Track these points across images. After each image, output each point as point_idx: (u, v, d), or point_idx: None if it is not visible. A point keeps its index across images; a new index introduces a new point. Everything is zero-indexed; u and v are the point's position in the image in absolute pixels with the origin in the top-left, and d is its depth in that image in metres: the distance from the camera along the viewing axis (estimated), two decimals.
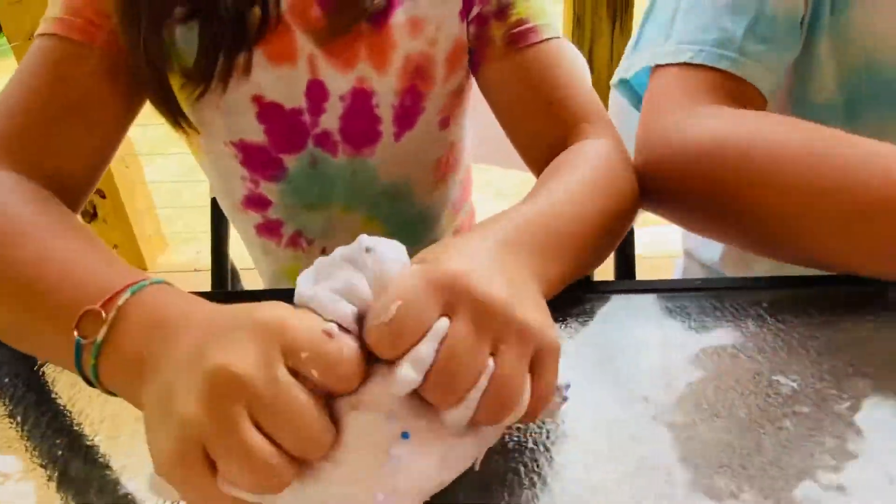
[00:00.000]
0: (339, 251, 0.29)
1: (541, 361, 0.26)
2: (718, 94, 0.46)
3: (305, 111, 0.53)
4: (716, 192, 0.42)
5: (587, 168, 0.43)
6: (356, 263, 0.28)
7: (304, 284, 0.28)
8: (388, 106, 0.54)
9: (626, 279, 0.73)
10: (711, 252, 0.67)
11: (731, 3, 0.46)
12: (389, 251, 0.28)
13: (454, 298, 0.25)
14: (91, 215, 1.71)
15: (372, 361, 0.26)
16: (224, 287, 0.85)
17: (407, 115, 0.55)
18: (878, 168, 0.36)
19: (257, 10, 0.48)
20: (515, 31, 0.51)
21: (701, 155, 0.42)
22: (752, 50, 0.45)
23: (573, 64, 0.52)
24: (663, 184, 0.46)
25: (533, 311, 0.27)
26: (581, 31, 1.39)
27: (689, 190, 0.44)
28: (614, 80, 0.57)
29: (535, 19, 0.51)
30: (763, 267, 0.61)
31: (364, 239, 0.28)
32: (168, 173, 2.31)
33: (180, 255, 1.91)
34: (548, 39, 0.51)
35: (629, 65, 0.54)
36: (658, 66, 0.49)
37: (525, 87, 0.51)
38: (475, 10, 0.52)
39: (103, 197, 1.68)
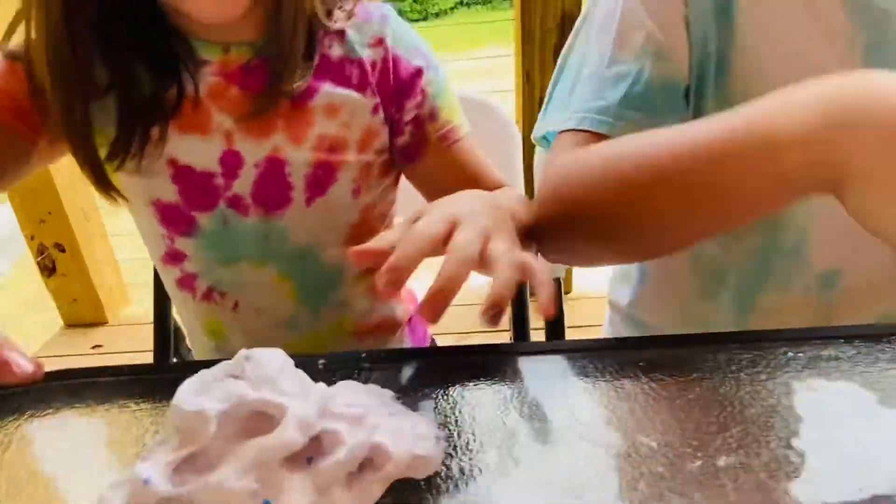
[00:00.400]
0: (222, 365, 0.33)
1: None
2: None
3: (219, 175, 0.56)
4: (576, 211, 0.47)
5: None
6: (238, 373, 0.32)
7: (188, 396, 0.31)
8: (300, 174, 0.57)
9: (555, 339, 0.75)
10: (621, 296, 0.70)
11: (614, 74, 0.51)
12: (267, 357, 0.33)
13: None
14: (50, 270, 1.70)
15: None
16: (166, 345, 0.87)
17: (319, 184, 0.58)
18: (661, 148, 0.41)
19: (174, 89, 0.52)
20: (443, 131, 0.60)
21: (566, 183, 0.48)
22: (628, 116, 0.49)
23: (480, 153, 0.63)
24: (547, 223, 0.50)
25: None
26: (531, 86, 1.45)
27: (562, 219, 0.49)
28: (534, 135, 0.61)
29: (455, 120, 0.61)
30: (671, 311, 0.64)
31: (243, 351, 0.33)
32: (132, 225, 2.30)
33: (142, 306, 1.90)
34: (465, 136, 0.62)
35: (540, 127, 0.58)
36: (559, 132, 0.53)
37: (457, 176, 0.60)
38: (410, 114, 0.59)
39: (62, 251, 1.68)
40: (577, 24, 0.58)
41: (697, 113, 0.53)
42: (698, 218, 0.42)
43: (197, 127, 0.54)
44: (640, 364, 0.42)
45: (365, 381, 0.40)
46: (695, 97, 0.53)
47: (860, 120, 0.32)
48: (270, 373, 0.31)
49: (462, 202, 0.43)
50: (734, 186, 0.38)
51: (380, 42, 0.57)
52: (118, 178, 0.56)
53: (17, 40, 0.50)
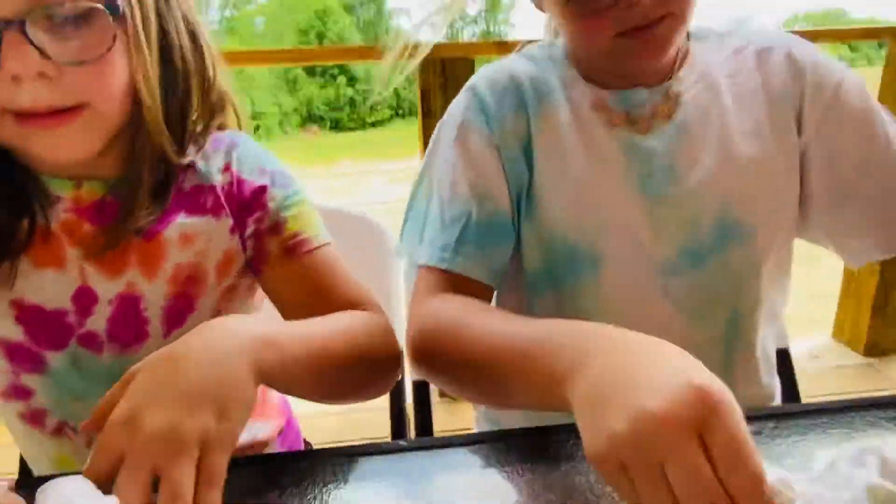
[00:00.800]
0: None
1: None
2: (445, 287, 0.60)
3: (71, 313, 0.56)
4: (440, 350, 0.56)
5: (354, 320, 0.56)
6: None
7: None
8: (157, 308, 0.58)
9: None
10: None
11: (450, 218, 0.61)
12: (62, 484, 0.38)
13: None
14: None
15: None
16: None
17: (178, 315, 0.59)
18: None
19: (25, 223, 0.53)
20: (290, 243, 0.59)
21: (417, 343, 0.58)
22: (464, 251, 0.60)
23: (344, 264, 0.62)
24: (418, 363, 0.59)
25: None
26: None
27: (425, 366, 0.59)
28: (396, 251, 0.72)
29: (308, 232, 0.60)
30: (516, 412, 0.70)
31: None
32: None
33: None
34: (319, 246, 0.60)
35: (399, 250, 0.69)
36: (417, 265, 0.63)
37: (304, 287, 0.59)
38: (251, 228, 0.60)
39: None
40: (420, 168, 0.69)
41: (518, 235, 0.65)
42: (501, 395, 0.53)
43: (51, 262, 0.55)
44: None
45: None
46: (517, 223, 0.64)
47: (580, 372, 0.40)
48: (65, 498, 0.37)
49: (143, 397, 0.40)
50: (516, 387, 0.48)
51: (227, 167, 0.60)
52: None
53: None
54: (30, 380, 0.58)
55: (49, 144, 0.49)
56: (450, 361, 0.55)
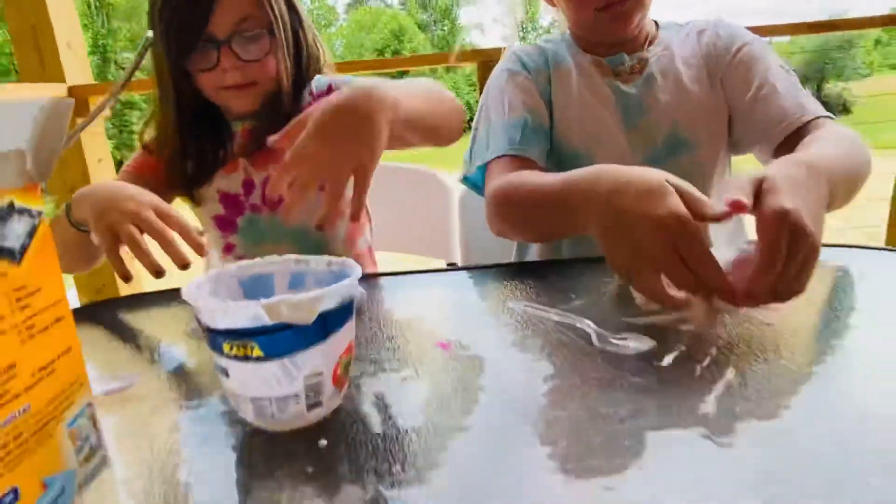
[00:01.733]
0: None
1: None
2: (513, 167, 0.85)
3: (242, 194, 0.95)
4: (508, 210, 0.81)
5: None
6: None
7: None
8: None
9: None
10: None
11: (513, 124, 0.89)
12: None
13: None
14: None
15: None
16: None
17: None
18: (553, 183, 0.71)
19: (221, 151, 0.95)
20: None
21: (497, 196, 0.81)
22: (526, 141, 0.88)
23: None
24: (496, 212, 0.82)
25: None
26: None
27: (501, 213, 0.82)
28: (459, 178, 0.98)
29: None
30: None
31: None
32: None
33: None
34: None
35: (468, 169, 0.94)
36: (488, 163, 0.88)
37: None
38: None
39: None
40: (477, 112, 0.98)
41: (551, 143, 0.93)
42: (549, 224, 0.76)
43: (231, 169, 0.94)
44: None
45: None
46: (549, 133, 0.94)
47: (590, 197, 0.63)
48: None
49: None
50: (558, 215, 0.71)
51: (313, 94, 0.93)
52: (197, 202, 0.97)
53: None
54: (231, 238, 0.97)
55: (237, 103, 0.90)
56: (518, 204, 0.78)
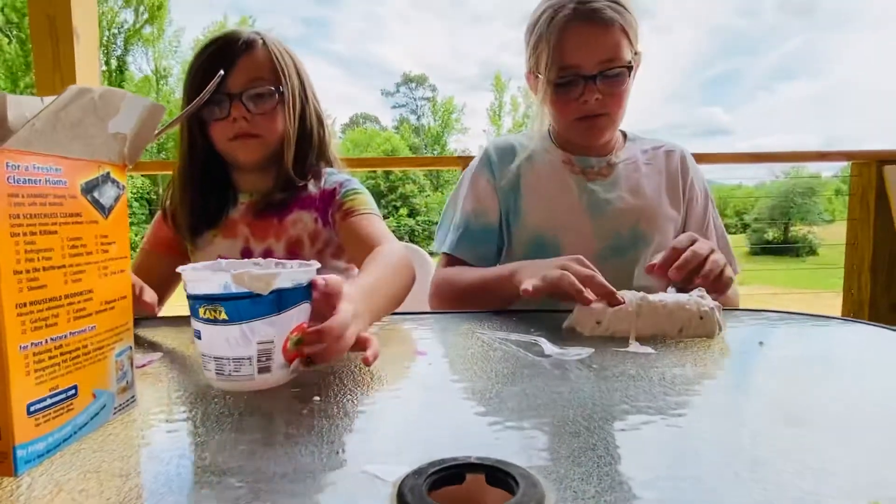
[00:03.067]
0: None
1: None
2: (451, 263, 1.08)
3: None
4: (444, 293, 1.04)
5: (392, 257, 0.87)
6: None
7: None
8: (281, 256, 0.99)
9: None
10: None
11: (458, 224, 1.08)
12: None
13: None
14: None
15: None
16: None
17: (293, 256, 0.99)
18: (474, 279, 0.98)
19: (227, 210, 1.06)
20: (345, 209, 1.01)
21: (434, 287, 1.06)
22: (462, 245, 1.07)
23: (381, 223, 1.00)
24: (434, 296, 1.06)
25: None
26: None
27: (438, 299, 1.05)
28: (433, 249, 1.14)
29: (359, 207, 1.01)
30: None
31: None
32: None
33: None
34: (364, 213, 1.00)
35: (435, 246, 1.15)
36: (441, 252, 1.10)
37: (355, 235, 0.98)
38: (331, 210, 1.03)
39: None
40: (449, 197, 1.17)
41: (509, 238, 1.09)
42: (491, 301, 0.93)
43: (230, 234, 1.04)
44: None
45: None
46: (506, 230, 1.09)
47: (519, 268, 0.88)
48: None
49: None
50: (499, 293, 0.91)
51: (322, 185, 1.06)
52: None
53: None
54: None
55: (244, 152, 1.00)
56: (451, 294, 1.01)
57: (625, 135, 1.15)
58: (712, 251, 0.83)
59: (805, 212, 25.90)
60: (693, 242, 0.82)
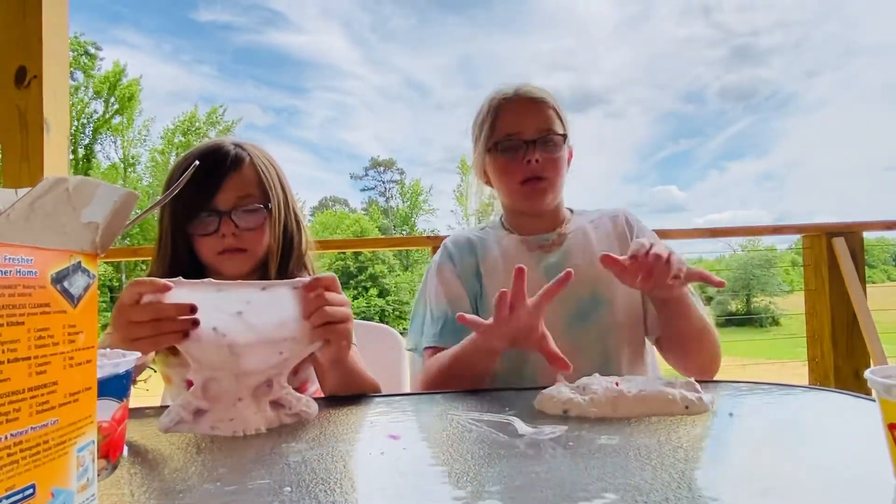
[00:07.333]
0: None
1: None
2: (436, 351, 1.08)
3: None
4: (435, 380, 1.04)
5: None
6: None
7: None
8: None
9: None
10: None
11: (437, 317, 1.11)
12: None
13: None
14: None
15: None
16: None
17: None
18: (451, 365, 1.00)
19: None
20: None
21: (426, 381, 1.06)
22: (445, 335, 1.09)
23: (355, 356, 0.97)
24: (428, 383, 1.06)
25: None
26: None
27: (432, 383, 1.05)
28: (405, 346, 1.23)
29: None
30: None
31: None
32: None
33: None
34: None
35: (408, 343, 1.17)
36: (424, 348, 1.12)
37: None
38: None
39: None
40: (416, 295, 1.22)
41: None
42: (469, 376, 0.98)
43: None
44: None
45: None
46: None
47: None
48: None
49: None
50: (475, 366, 0.97)
51: None
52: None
53: None
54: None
55: (230, 265, 1.01)
56: (443, 380, 1.01)
57: (571, 210, 1.26)
58: (670, 252, 0.92)
59: (764, 283, 26.68)
60: (650, 247, 0.92)
